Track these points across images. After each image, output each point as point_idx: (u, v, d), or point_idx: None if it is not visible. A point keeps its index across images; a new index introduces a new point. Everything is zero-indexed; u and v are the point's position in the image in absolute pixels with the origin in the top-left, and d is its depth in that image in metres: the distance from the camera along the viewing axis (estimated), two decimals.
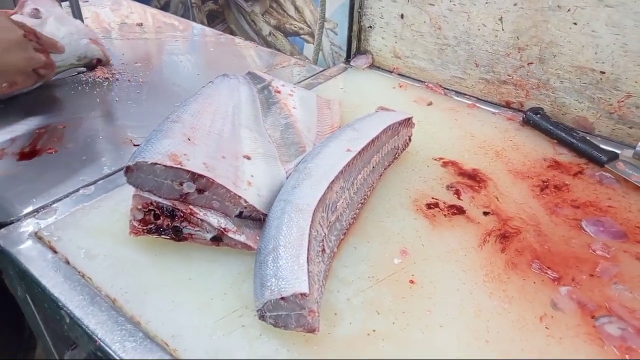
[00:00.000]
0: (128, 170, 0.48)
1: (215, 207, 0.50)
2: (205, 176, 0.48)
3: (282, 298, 0.41)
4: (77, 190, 0.60)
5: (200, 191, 0.49)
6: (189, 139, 0.52)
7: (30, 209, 0.57)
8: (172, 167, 0.47)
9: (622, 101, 0.71)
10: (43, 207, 0.57)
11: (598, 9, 0.67)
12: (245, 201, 0.50)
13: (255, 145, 0.58)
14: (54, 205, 0.57)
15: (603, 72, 0.71)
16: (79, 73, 0.90)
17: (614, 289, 0.49)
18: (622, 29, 0.67)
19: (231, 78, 0.70)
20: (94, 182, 0.61)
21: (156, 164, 0.47)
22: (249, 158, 0.55)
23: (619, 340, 0.44)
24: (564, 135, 0.71)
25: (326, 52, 1.46)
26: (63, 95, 0.83)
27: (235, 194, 0.49)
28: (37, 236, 0.53)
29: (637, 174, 0.64)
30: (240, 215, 0.51)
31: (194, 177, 0.48)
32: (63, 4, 1.11)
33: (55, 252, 0.51)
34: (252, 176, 0.53)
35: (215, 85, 0.66)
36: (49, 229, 0.54)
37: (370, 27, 0.94)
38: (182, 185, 0.48)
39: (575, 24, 0.70)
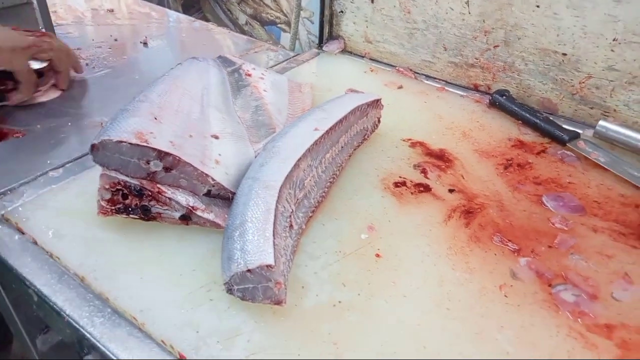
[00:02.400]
0: (94, 148, 0.48)
1: (183, 185, 0.51)
2: (171, 154, 0.48)
3: (249, 270, 0.42)
4: (45, 172, 0.60)
5: (167, 169, 0.49)
6: (156, 118, 0.52)
7: None
8: (138, 144, 0.47)
9: (583, 82, 0.73)
10: (10, 190, 0.57)
11: None
12: (213, 179, 0.50)
13: (224, 125, 0.59)
14: (22, 188, 0.57)
15: (565, 54, 0.73)
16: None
17: (571, 258, 0.51)
18: (581, 10, 0.69)
19: (200, 61, 0.70)
20: (62, 165, 0.61)
21: (122, 141, 0.47)
22: (217, 137, 0.56)
23: (572, 306, 0.46)
24: (528, 116, 0.73)
25: (303, 41, 1.46)
26: None
27: (202, 172, 0.50)
28: (4, 218, 0.53)
29: (596, 152, 0.67)
30: (208, 193, 0.52)
31: (161, 155, 0.48)
32: None
33: (22, 233, 0.51)
34: (219, 155, 0.53)
35: (184, 67, 0.66)
36: (17, 210, 0.53)
37: (342, 12, 0.94)
38: (148, 163, 0.49)
39: (538, 6, 0.72)
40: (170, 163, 0.49)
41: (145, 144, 0.47)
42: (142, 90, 0.57)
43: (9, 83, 0.72)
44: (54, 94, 0.78)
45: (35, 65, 0.74)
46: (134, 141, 0.47)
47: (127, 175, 0.49)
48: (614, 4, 0.66)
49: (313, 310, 0.45)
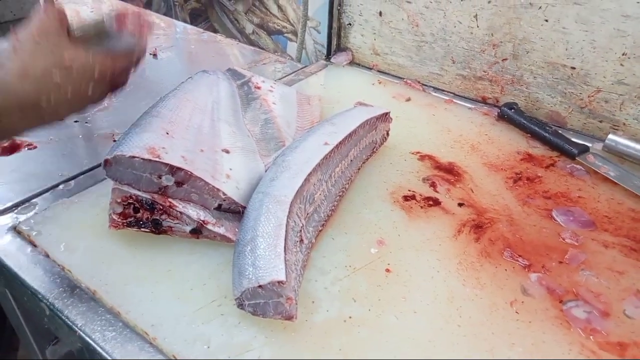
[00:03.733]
0: (107, 163, 0.48)
1: (194, 199, 0.51)
2: (183, 169, 0.49)
3: (260, 286, 0.42)
4: (57, 185, 0.60)
5: (179, 184, 0.50)
6: (168, 133, 0.52)
7: (9, 204, 0.57)
8: (150, 160, 0.48)
9: (592, 96, 0.73)
10: (22, 202, 0.57)
11: (567, 6, 0.70)
12: (224, 194, 0.51)
13: (234, 139, 0.59)
14: (34, 200, 0.58)
15: (574, 68, 0.73)
16: None
17: (582, 274, 0.51)
18: (590, 25, 0.69)
19: (210, 74, 0.70)
20: (74, 177, 0.62)
21: (134, 157, 0.48)
22: (227, 152, 0.56)
23: (584, 323, 0.46)
24: (537, 129, 0.73)
25: (309, 51, 1.47)
26: None
27: (213, 186, 0.50)
28: (16, 230, 0.53)
29: (606, 166, 0.67)
30: (219, 207, 0.52)
31: (173, 170, 0.49)
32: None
33: (34, 246, 0.51)
34: (230, 169, 0.54)
35: (194, 80, 0.67)
36: (28, 223, 0.54)
37: (350, 24, 0.95)
38: (160, 178, 0.49)
39: (546, 20, 0.72)
40: (182, 178, 0.49)
41: (157, 159, 0.48)
42: (153, 105, 0.58)
43: None
44: None
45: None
46: (146, 156, 0.48)
47: (139, 190, 0.49)
48: (623, 19, 0.66)
49: (323, 325, 0.45)
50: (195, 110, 0.59)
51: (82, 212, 0.56)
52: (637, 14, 0.65)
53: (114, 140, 0.70)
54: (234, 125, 0.62)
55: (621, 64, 0.69)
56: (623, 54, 0.68)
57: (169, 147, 0.50)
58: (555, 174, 0.67)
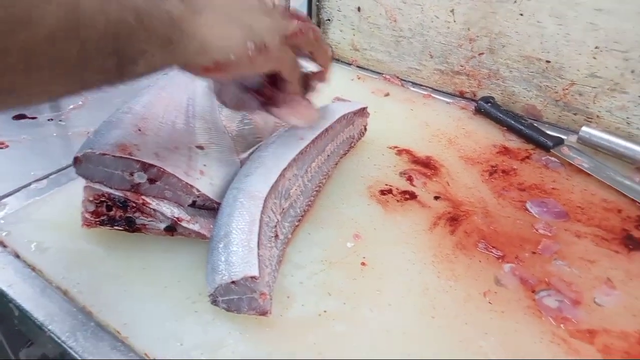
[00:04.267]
0: (76, 161, 0.48)
1: (168, 196, 0.50)
2: (155, 165, 0.48)
3: (233, 282, 0.42)
4: (29, 184, 0.59)
5: (151, 181, 0.49)
6: (140, 130, 0.52)
7: None
8: (121, 157, 0.47)
9: (567, 89, 0.74)
10: None
11: (542, 0, 0.70)
12: (198, 190, 0.50)
13: (209, 135, 0.59)
14: (4, 200, 0.57)
15: (548, 61, 0.74)
16: None
17: (554, 264, 0.52)
18: (564, 19, 0.70)
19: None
20: (47, 176, 0.61)
21: (105, 154, 0.47)
22: (202, 148, 0.56)
23: (555, 312, 0.46)
24: (513, 122, 0.74)
25: None
26: None
27: (187, 183, 0.49)
28: None
29: (580, 157, 0.68)
30: (193, 204, 0.51)
31: (145, 166, 0.48)
32: None
33: (4, 246, 0.50)
34: (204, 165, 0.53)
35: (169, 76, 0.66)
36: None
37: (329, 20, 0.95)
38: (133, 175, 0.49)
39: (521, 14, 0.73)
40: (155, 174, 0.49)
41: (128, 156, 0.47)
42: (126, 102, 0.57)
43: (266, 91, 0.53)
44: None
45: (309, 66, 0.55)
46: (117, 154, 0.47)
47: (111, 187, 0.49)
48: (596, 13, 0.67)
49: (298, 320, 0.45)
50: (169, 107, 0.59)
51: (54, 211, 0.55)
52: (609, 8, 0.66)
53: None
54: (209, 122, 0.62)
55: (594, 57, 0.70)
56: (596, 47, 0.69)
57: (141, 143, 0.50)
58: (531, 167, 0.68)
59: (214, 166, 0.54)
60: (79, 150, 0.48)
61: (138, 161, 0.48)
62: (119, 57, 0.35)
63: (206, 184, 0.51)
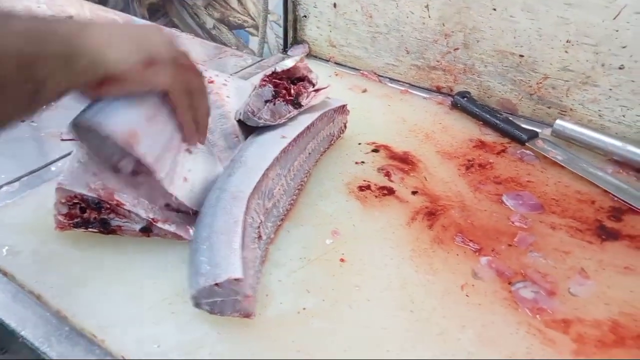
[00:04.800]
0: (75, 126, 0.45)
1: (141, 191, 0.49)
2: (150, 165, 0.46)
3: (217, 284, 0.41)
4: (0, 187, 0.58)
5: (134, 173, 0.48)
6: (149, 120, 0.48)
7: None
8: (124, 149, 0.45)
9: (540, 83, 0.75)
10: None
11: None
12: (176, 198, 0.50)
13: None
14: None
15: (522, 56, 0.75)
16: None
17: (530, 256, 0.53)
18: (536, 13, 0.71)
19: None
20: (18, 179, 0.59)
21: (109, 137, 0.44)
22: (190, 152, 0.54)
23: (531, 303, 0.47)
24: (488, 116, 0.75)
25: (271, 45, 1.46)
26: None
27: (167, 191, 0.49)
28: None
29: (554, 150, 0.69)
30: (167, 206, 0.51)
31: (139, 162, 0.46)
32: None
33: None
34: (189, 171, 0.52)
35: None
36: None
37: (305, 16, 0.94)
38: (121, 160, 0.47)
39: (494, 9, 0.74)
40: (143, 171, 0.47)
41: (131, 148, 0.45)
42: None
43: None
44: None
45: (287, 63, 0.61)
46: (120, 142, 0.44)
47: (93, 157, 0.48)
48: (566, 7, 0.68)
49: (277, 318, 0.44)
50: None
51: (26, 214, 0.54)
52: (579, 2, 0.67)
53: (62, 140, 0.67)
54: None
55: (566, 51, 0.71)
56: (567, 41, 0.70)
57: (148, 134, 0.46)
58: (506, 160, 0.69)
59: (198, 172, 0.53)
60: (85, 117, 0.44)
61: (136, 156, 0.45)
62: (32, 84, 0.37)
63: (187, 191, 0.51)
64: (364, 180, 0.63)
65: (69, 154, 0.63)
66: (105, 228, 0.50)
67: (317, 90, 0.65)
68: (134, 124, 0.45)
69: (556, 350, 0.43)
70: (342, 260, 0.51)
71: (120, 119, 0.45)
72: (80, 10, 1.19)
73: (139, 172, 0.48)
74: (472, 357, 0.42)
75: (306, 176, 0.62)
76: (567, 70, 0.72)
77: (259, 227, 0.50)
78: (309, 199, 0.60)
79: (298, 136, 0.59)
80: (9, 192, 0.57)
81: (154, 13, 1.69)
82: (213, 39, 1.50)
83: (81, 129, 0.45)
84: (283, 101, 0.60)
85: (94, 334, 0.42)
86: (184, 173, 0.52)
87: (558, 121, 0.72)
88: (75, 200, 0.49)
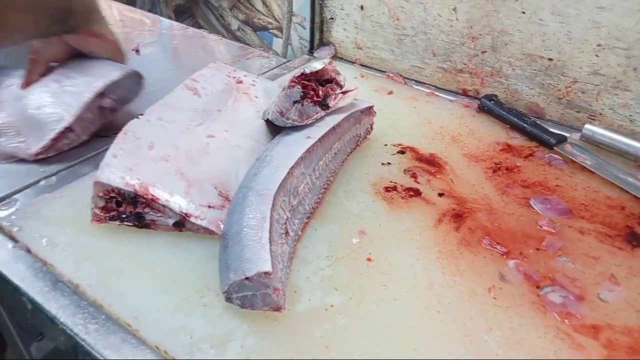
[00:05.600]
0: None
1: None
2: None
3: (247, 278, 0.42)
4: (38, 181, 0.60)
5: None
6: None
7: None
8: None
9: (569, 87, 0.75)
10: (3, 199, 0.57)
11: None
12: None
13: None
14: (15, 196, 0.57)
15: (551, 59, 0.74)
16: None
17: (558, 260, 0.52)
18: (566, 17, 0.70)
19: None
20: (56, 173, 0.62)
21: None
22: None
23: (560, 307, 0.47)
24: (516, 120, 0.75)
25: (295, 46, 1.47)
26: None
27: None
28: None
29: (583, 155, 0.68)
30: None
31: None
32: None
33: (16, 241, 0.51)
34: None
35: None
36: (9, 219, 0.54)
37: (332, 18, 0.95)
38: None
39: (523, 13, 0.73)
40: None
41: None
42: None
43: None
44: None
45: (316, 65, 0.63)
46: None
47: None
48: (597, 11, 0.67)
49: (305, 314, 0.45)
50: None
51: (64, 207, 0.56)
52: (611, 6, 0.66)
53: (98, 135, 0.69)
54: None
55: (596, 55, 0.70)
56: (598, 45, 0.69)
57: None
58: (534, 164, 0.68)
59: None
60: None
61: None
62: None
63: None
64: (390, 181, 0.63)
65: (105, 149, 0.65)
66: (140, 222, 0.51)
67: (344, 93, 0.65)
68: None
69: (585, 355, 0.43)
70: (368, 259, 0.51)
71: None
72: (109, 10, 1.23)
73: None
74: (499, 359, 0.42)
75: (332, 175, 0.63)
76: (598, 74, 0.71)
77: (285, 223, 0.51)
78: (335, 198, 0.60)
79: (323, 136, 0.60)
80: (47, 186, 0.60)
81: (181, 14, 1.72)
82: (238, 40, 1.52)
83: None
84: (311, 102, 0.61)
85: (128, 323, 0.43)
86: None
87: (587, 126, 0.71)
88: (112, 194, 0.50)
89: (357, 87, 0.67)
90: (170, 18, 1.60)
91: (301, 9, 1.38)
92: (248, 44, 1.47)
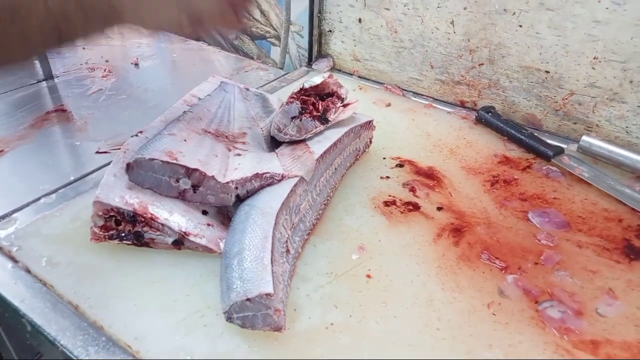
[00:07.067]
0: (128, 167, 0.51)
1: (212, 201, 0.53)
2: (198, 170, 0.51)
3: (248, 299, 0.42)
4: (38, 199, 0.60)
5: (195, 187, 0.52)
6: (185, 140, 0.55)
7: None
8: (168, 162, 0.51)
9: (566, 99, 0.75)
10: (2, 217, 0.57)
11: (540, 12, 0.71)
12: (232, 182, 0.53)
13: (246, 144, 0.62)
14: (14, 215, 0.57)
15: (548, 72, 0.75)
16: (39, 81, 0.90)
17: (556, 275, 0.52)
18: (562, 30, 0.71)
19: (227, 92, 0.73)
20: (55, 191, 0.62)
21: (154, 159, 0.50)
22: (239, 155, 0.58)
23: (558, 322, 0.47)
24: (513, 132, 0.75)
25: (293, 55, 1.48)
26: (25, 101, 0.83)
27: (224, 183, 0.52)
28: None
29: (580, 167, 0.68)
30: (238, 198, 0.54)
31: (188, 172, 0.51)
32: None
33: (15, 261, 0.51)
34: (239, 164, 0.56)
35: (210, 95, 0.70)
36: (9, 238, 0.54)
37: (330, 31, 0.96)
38: (178, 182, 0.52)
39: (520, 26, 0.74)
40: (198, 179, 0.52)
41: (174, 161, 0.51)
42: (171, 123, 0.60)
43: None
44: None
45: (315, 80, 0.64)
46: (164, 158, 0.51)
47: (160, 194, 0.52)
48: (594, 25, 0.68)
49: (305, 332, 0.45)
50: (211, 121, 0.64)
51: (63, 225, 0.56)
52: (606, 20, 0.67)
53: (96, 152, 0.70)
54: (247, 128, 0.66)
55: (593, 68, 0.71)
56: (594, 58, 0.70)
57: (186, 151, 0.53)
58: (532, 176, 0.69)
59: (248, 162, 0.57)
60: (131, 157, 0.51)
61: (182, 166, 0.51)
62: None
63: (239, 176, 0.54)
64: (389, 196, 0.64)
65: (103, 166, 0.66)
66: (139, 240, 0.51)
67: (345, 105, 0.66)
68: (170, 146, 0.53)
69: None
70: (368, 276, 0.52)
71: (158, 146, 0.52)
72: None
73: (199, 184, 0.52)
74: None
75: (332, 191, 0.63)
76: (594, 86, 0.72)
77: (286, 241, 0.51)
78: (334, 214, 0.60)
79: (325, 152, 0.60)
80: (47, 204, 0.60)
81: None
82: (235, 49, 1.53)
83: (134, 171, 0.51)
84: (310, 117, 0.61)
85: (129, 344, 0.43)
86: (235, 166, 0.55)
87: (584, 137, 0.72)
88: (112, 214, 0.50)
89: (358, 100, 0.67)
90: None
91: (299, 18, 1.38)
92: (246, 53, 1.48)
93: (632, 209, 0.62)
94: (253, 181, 0.54)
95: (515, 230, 0.59)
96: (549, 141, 0.73)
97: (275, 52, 1.52)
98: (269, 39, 1.55)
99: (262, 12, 1.48)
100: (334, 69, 1.00)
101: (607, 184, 0.65)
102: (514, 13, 0.74)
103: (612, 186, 0.65)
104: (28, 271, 0.50)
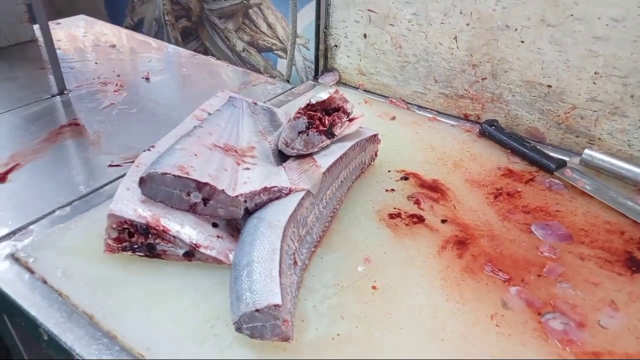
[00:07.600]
0: (141, 181, 0.53)
1: (222, 214, 0.55)
2: (208, 184, 0.53)
3: (257, 310, 0.44)
4: (53, 211, 0.62)
5: (205, 201, 0.54)
6: (196, 155, 0.57)
7: (6, 231, 0.59)
8: (180, 177, 0.53)
9: (568, 112, 0.76)
10: (19, 229, 0.59)
11: (541, 28, 0.73)
12: (242, 195, 0.54)
13: (255, 158, 0.64)
14: (30, 227, 0.59)
15: (550, 86, 0.76)
16: (53, 96, 0.92)
17: (559, 287, 0.53)
18: (563, 46, 0.72)
19: (236, 107, 0.75)
20: (70, 203, 0.63)
21: (166, 173, 0.52)
22: (249, 169, 0.60)
23: (561, 334, 0.48)
24: (516, 145, 0.76)
25: (299, 67, 1.50)
26: (39, 115, 0.85)
27: (234, 197, 0.53)
28: (14, 258, 0.55)
29: (583, 179, 0.69)
30: (247, 211, 0.55)
31: (199, 186, 0.53)
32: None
33: (32, 272, 0.53)
34: (248, 177, 0.58)
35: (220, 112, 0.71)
36: (26, 250, 0.55)
37: (336, 46, 0.98)
38: (189, 195, 0.53)
39: (522, 42, 0.76)
40: (208, 193, 0.53)
41: (186, 176, 0.53)
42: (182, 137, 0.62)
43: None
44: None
45: (322, 96, 0.67)
46: (176, 173, 0.52)
47: (172, 207, 0.54)
48: (594, 41, 0.69)
49: (313, 343, 0.46)
50: (220, 137, 0.65)
51: (78, 237, 0.58)
52: (606, 36, 0.68)
53: (109, 166, 0.72)
54: (256, 144, 0.67)
55: (594, 82, 0.72)
56: (595, 73, 0.71)
57: (197, 165, 0.55)
58: (535, 189, 0.70)
59: (256, 176, 0.59)
60: (144, 171, 0.53)
61: (193, 180, 0.53)
62: None
63: (248, 190, 0.56)
64: (394, 208, 0.65)
65: (116, 179, 0.68)
66: (151, 252, 0.53)
67: (350, 120, 0.67)
68: (181, 161, 0.55)
69: None
70: (374, 287, 0.53)
71: (169, 161, 0.54)
72: (119, 37, 1.26)
73: (209, 197, 0.54)
74: None
75: (338, 204, 0.64)
76: (596, 100, 0.73)
77: (294, 253, 0.53)
78: (340, 226, 0.62)
79: (331, 166, 0.62)
80: (62, 216, 0.61)
81: (187, 36, 1.76)
82: (243, 61, 1.56)
83: (147, 185, 0.53)
84: (316, 132, 0.63)
85: (141, 354, 0.45)
86: (244, 180, 0.57)
87: (587, 150, 0.73)
88: (125, 226, 0.52)
89: (364, 115, 0.69)
90: (177, 40, 1.64)
91: (305, 31, 1.41)
92: (253, 65, 1.50)
93: (634, 222, 0.63)
94: (262, 195, 0.55)
95: (518, 242, 0.60)
96: (551, 154, 0.75)
97: (282, 64, 1.54)
98: (275, 52, 1.58)
99: (269, 25, 1.51)
100: (339, 82, 1.01)
101: (609, 197, 0.66)
102: (515, 29, 0.75)
103: (614, 199, 0.66)
104: (44, 282, 0.52)
